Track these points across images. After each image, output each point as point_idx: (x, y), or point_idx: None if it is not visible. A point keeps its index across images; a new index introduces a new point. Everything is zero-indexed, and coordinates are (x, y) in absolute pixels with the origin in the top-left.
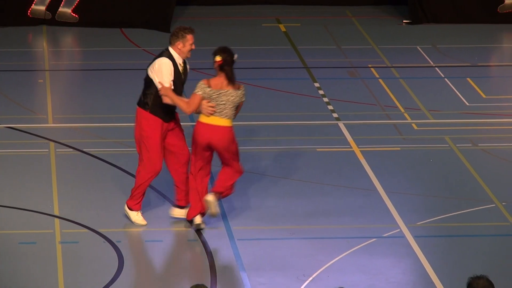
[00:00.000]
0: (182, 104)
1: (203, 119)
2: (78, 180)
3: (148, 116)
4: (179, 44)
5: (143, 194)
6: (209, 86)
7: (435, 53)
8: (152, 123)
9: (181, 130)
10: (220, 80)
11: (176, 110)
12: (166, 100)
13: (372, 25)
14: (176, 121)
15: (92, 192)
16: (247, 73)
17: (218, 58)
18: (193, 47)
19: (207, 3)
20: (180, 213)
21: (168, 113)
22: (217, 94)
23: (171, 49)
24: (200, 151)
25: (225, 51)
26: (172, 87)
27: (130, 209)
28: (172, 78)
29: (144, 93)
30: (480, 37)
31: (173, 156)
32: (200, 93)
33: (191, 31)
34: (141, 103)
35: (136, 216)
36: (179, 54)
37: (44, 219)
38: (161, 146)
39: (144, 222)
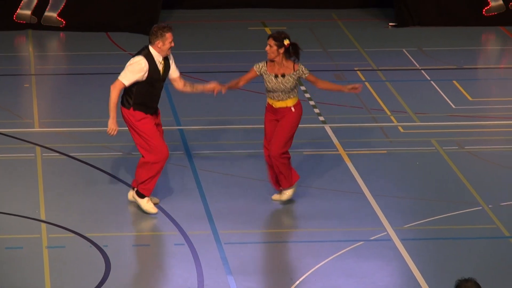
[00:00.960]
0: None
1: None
2: (65, 185)
3: (133, 112)
4: (159, 43)
5: (152, 183)
6: None
7: (421, 55)
8: (139, 117)
9: (161, 127)
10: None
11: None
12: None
13: (358, 28)
14: (158, 119)
15: (79, 196)
16: (233, 77)
17: (287, 42)
18: (173, 44)
19: (193, 6)
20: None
21: (150, 109)
22: None
23: (151, 48)
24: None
25: (287, 34)
26: (126, 85)
27: (141, 195)
28: (134, 79)
29: (125, 92)
30: (466, 39)
31: None
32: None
33: (169, 29)
34: (124, 103)
35: (146, 204)
36: (159, 52)
37: (31, 224)
38: (157, 133)
39: (155, 210)
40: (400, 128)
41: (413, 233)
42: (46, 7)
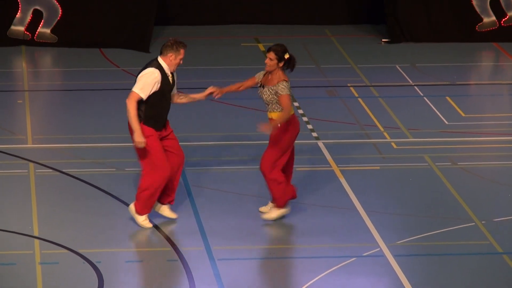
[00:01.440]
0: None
1: (291, 111)
2: (58, 201)
3: (143, 127)
4: (171, 56)
5: (150, 198)
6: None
7: (414, 71)
8: (148, 133)
9: (174, 135)
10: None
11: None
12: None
13: (351, 44)
14: (167, 129)
15: (72, 212)
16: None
17: (287, 55)
18: (181, 62)
19: (186, 23)
20: (166, 211)
21: (160, 122)
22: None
23: (160, 59)
24: (291, 145)
25: (284, 47)
26: (143, 98)
27: (138, 213)
28: (150, 90)
29: (137, 106)
30: (459, 55)
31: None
32: (289, 93)
33: (184, 46)
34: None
35: (143, 221)
36: (168, 65)
37: (24, 240)
38: (163, 152)
39: (149, 225)
40: (393, 144)
41: (406, 249)
42: (40, 24)
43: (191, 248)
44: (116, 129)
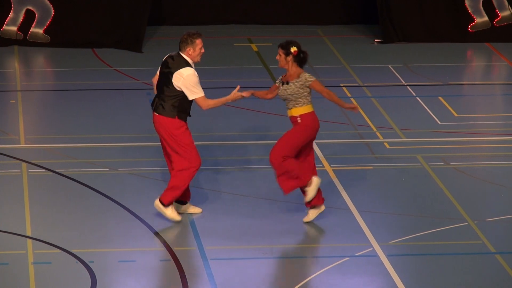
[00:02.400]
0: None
1: (311, 108)
2: (51, 201)
3: (177, 121)
4: (190, 50)
5: (179, 193)
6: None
7: (406, 72)
8: (180, 125)
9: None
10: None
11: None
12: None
13: (343, 44)
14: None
15: (65, 212)
16: (219, 93)
17: (294, 49)
18: (203, 50)
19: (179, 23)
20: (191, 209)
21: (187, 114)
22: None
23: (184, 55)
24: (306, 142)
25: (295, 43)
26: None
27: (165, 205)
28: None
29: (169, 102)
30: (451, 56)
31: None
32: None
33: (199, 35)
34: (165, 112)
35: (172, 212)
36: (191, 58)
37: (17, 240)
38: (193, 143)
39: (179, 217)
40: (386, 144)
41: (399, 249)
42: (32, 24)
43: (184, 248)
44: (109, 129)
